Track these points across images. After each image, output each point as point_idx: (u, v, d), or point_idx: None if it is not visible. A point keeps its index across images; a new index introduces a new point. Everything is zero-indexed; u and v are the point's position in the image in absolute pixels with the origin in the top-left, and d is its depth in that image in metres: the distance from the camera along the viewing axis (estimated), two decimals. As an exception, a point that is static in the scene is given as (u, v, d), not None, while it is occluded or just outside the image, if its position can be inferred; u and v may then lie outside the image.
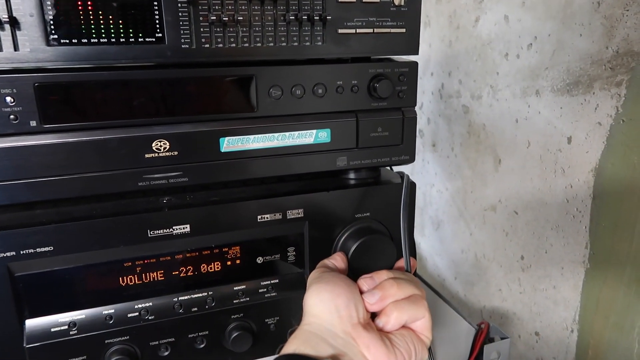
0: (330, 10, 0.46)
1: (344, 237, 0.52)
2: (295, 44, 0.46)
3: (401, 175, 0.55)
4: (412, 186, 0.53)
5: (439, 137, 0.88)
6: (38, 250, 0.43)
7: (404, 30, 0.48)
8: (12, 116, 0.40)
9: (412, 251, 0.53)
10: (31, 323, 0.44)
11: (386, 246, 0.51)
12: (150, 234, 0.46)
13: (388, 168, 0.58)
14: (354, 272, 0.51)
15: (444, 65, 0.84)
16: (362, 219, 0.53)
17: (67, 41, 0.40)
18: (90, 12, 0.40)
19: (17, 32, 0.39)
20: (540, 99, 0.64)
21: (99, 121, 0.42)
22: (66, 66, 0.40)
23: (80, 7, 0.39)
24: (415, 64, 0.50)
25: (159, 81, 0.43)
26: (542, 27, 0.62)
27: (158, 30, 0.42)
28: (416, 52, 0.50)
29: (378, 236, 0.51)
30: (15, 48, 0.39)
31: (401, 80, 0.50)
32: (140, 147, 0.44)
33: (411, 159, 0.53)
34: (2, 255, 0.42)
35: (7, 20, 0.38)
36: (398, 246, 0.51)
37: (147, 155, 0.44)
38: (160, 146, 0.44)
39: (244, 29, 0.44)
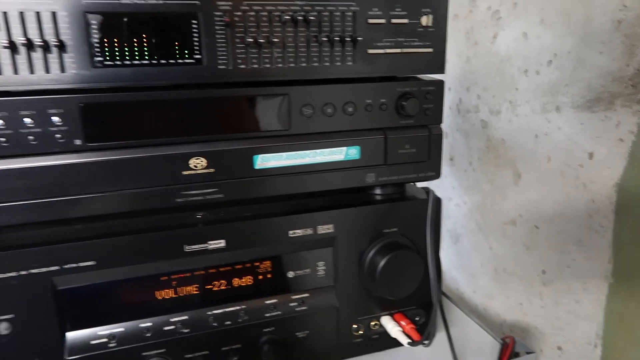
0: (361, 31, 0.47)
1: (372, 252, 0.53)
2: (327, 63, 0.47)
3: (426, 190, 0.56)
4: (437, 202, 0.54)
5: (456, 151, 0.89)
6: (80, 264, 0.44)
7: (430, 49, 0.50)
8: (58, 135, 0.42)
9: (438, 266, 0.54)
10: (72, 336, 0.46)
11: (414, 261, 0.52)
12: (187, 249, 0.47)
13: (412, 183, 0.59)
14: (382, 288, 0.52)
15: (462, 81, 0.85)
16: (390, 234, 0.54)
17: (111, 63, 0.41)
18: (133, 36, 0.41)
19: (64, 55, 0.40)
20: (560, 115, 0.65)
21: (139, 139, 0.44)
22: (109, 86, 0.42)
23: (123, 31, 0.41)
24: (442, 82, 0.52)
25: (197, 101, 0.45)
26: (561, 44, 0.63)
27: (196, 52, 0.43)
28: (442, 71, 0.51)
29: (407, 251, 0.52)
30: (62, 70, 0.41)
31: (428, 98, 0.51)
32: (178, 165, 0.45)
33: (437, 175, 0.54)
34: (46, 269, 0.43)
35: (56, 43, 0.39)
36: (425, 261, 0.52)
37: (184, 173, 0.45)
38: (197, 164, 0.46)
39: (278, 50, 0.45)
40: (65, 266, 0.44)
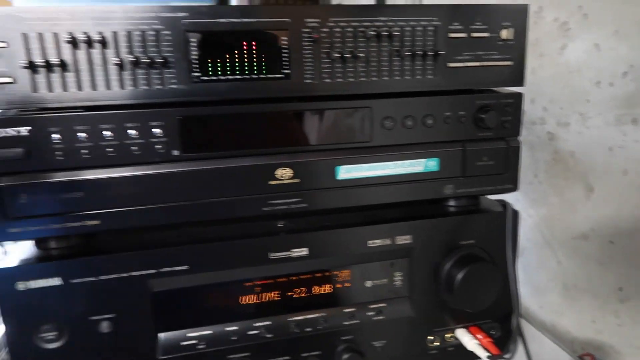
0: (442, 45, 0.48)
1: (449, 264, 0.53)
2: (408, 77, 0.48)
3: (502, 203, 0.56)
4: (515, 215, 0.54)
5: (521, 163, 0.87)
6: (175, 268, 0.46)
7: (510, 62, 0.50)
8: (158, 146, 0.44)
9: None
10: (164, 336, 0.48)
11: (493, 274, 0.52)
12: (271, 256, 0.49)
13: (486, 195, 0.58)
14: (460, 300, 0.52)
15: (526, 93, 0.84)
16: (466, 246, 0.54)
17: (206, 78, 0.44)
18: (228, 52, 0.44)
19: (165, 71, 0.43)
20: (637, 127, 0.63)
21: (231, 150, 0.46)
22: (204, 100, 0.45)
23: (219, 48, 0.44)
24: (521, 95, 0.52)
25: (284, 113, 0.47)
26: (638, 56, 0.62)
27: (285, 67, 0.45)
28: (521, 84, 0.51)
29: (485, 264, 0.52)
30: (163, 85, 0.43)
31: (506, 110, 0.51)
32: (266, 175, 0.47)
33: (514, 187, 0.54)
34: (144, 272, 0.46)
35: (160, 60, 0.42)
36: (502, 273, 0.52)
37: (271, 182, 0.47)
38: (284, 174, 0.47)
39: (362, 64, 0.47)
40: (161, 270, 0.46)
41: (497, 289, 0.53)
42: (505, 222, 0.54)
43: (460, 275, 0.51)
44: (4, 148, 0.41)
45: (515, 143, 0.53)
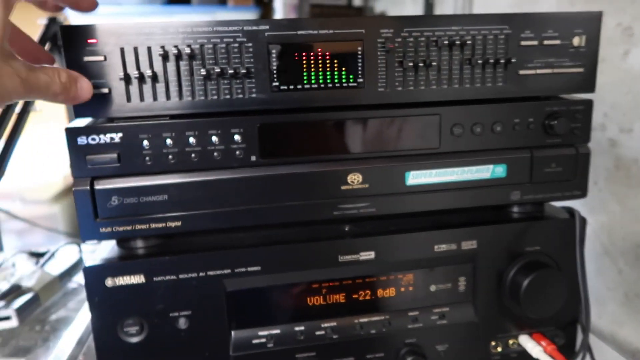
0: (513, 53, 0.48)
1: (514, 270, 0.53)
2: (478, 84, 0.49)
3: (569, 210, 0.56)
4: (583, 222, 0.53)
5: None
6: (249, 269, 0.49)
7: (582, 69, 0.50)
8: (237, 152, 0.47)
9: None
10: (237, 334, 0.50)
11: (559, 282, 0.52)
12: (340, 259, 0.50)
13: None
14: (525, 306, 0.52)
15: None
16: (532, 252, 0.54)
17: (285, 87, 0.46)
18: (305, 64, 0.46)
19: (247, 81, 0.45)
20: None
21: (305, 156, 0.48)
22: (282, 108, 0.46)
23: (297, 60, 0.45)
24: (591, 102, 0.52)
25: (356, 120, 0.48)
26: None
27: (359, 76, 0.47)
28: (592, 90, 0.51)
29: (552, 271, 0.52)
30: (244, 94, 0.45)
31: (576, 117, 0.51)
32: (338, 180, 0.48)
33: (583, 194, 0.54)
34: (220, 272, 0.48)
35: (243, 72, 0.44)
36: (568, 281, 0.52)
37: (342, 187, 0.49)
38: (354, 179, 0.49)
39: (433, 73, 0.48)
40: (236, 270, 0.48)
41: (563, 296, 0.53)
42: (572, 229, 0.53)
43: (526, 282, 0.51)
44: (100, 154, 0.44)
45: (585, 149, 0.53)
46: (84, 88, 0.41)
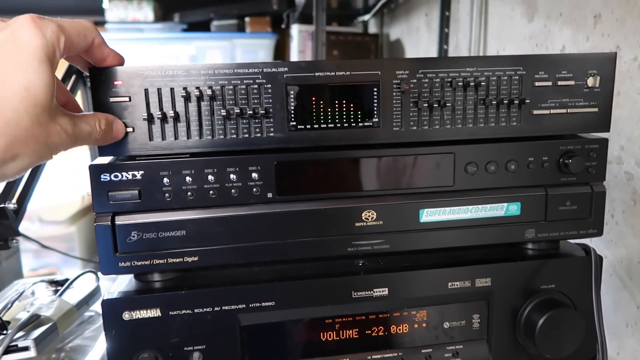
0: (527, 93, 0.49)
1: (529, 308, 0.53)
2: (492, 124, 0.49)
3: (585, 248, 0.55)
4: (600, 260, 0.53)
5: (594, 202, 0.85)
6: (263, 304, 0.49)
7: (596, 109, 0.50)
8: (254, 189, 0.47)
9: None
10: (250, 370, 0.50)
11: (576, 321, 0.51)
12: (354, 295, 0.50)
13: (566, 239, 0.58)
14: (541, 345, 0.51)
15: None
16: (547, 290, 0.53)
17: (303, 127, 0.47)
18: (322, 104, 0.47)
19: (265, 120, 0.46)
20: None
21: (321, 193, 0.49)
22: (298, 146, 0.47)
23: (314, 101, 0.47)
24: (606, 140, 0.52)
25: (372, 159, 0.49)
26: None
27: (375, 116, 0.48)
28: (607, 129, 0.51)
29: (568, 310, 0.51)
30: (262, 133, 0.47)
31: (591, 156, 0.51)
32: (352, 217, 0.49)
33: (599, 232, 0.54)
34: (234, 307, 0.49)
35: (263, 112, 0.46)
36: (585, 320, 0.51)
37: (357, 224, 0.49)
38: (369, 216, 0.49)
39: (448, 113, 0.49)
40: (250, 305, 0.49)
41: (580, 336, 0.52)
42: (588, 267, 0.53)
43: (541, 321, 0.51)
44: (121, 190, 0.45)
45: (600, 188, 0.53)
46: (119, 130, 0.43)
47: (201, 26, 2.46)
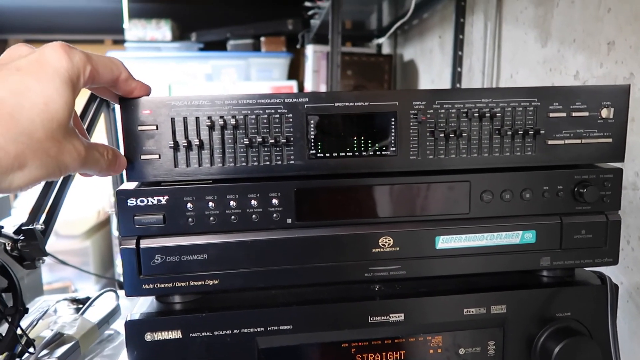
0: (541, 124, 0.50)
1: (545, 336, 0.53)
2: (507, 153, 0.50)
3: (600, 276, 0.56)
4: (615, 289, 0.53)
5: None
6: (281, 327, 0.50)
7: (610, 140, 0.51)
8: (275, 214, 0.49)
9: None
10: (268, 392, 0.51)
11: (591, 349, 0.51)
12: (371, 320, 0.51)
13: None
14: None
15: (616, 157, 0.83)
16: (563, 318, 0.53)
17: (322, 155, 0.48)
18: (342, 132, 0.48)
19: (286, 149, 0.48)
20: None
21: (339, 219, 0.50)
22: (319, 174, 0.49)
23: (334, 128, 0.48)
24: (620, 170, 0.52)
25: (389, 187, 0.50)
26: None
27: (392, 146, 0.49)
28: (622, 159, 0.52)
29: (584, 339, 0.51)
30: (283, 161, 0.48)
31: (605, 185, 0.52)
32: (370, 243, 0.50)
33: (614, 261, 0.54)
34: (253, 330, 0.50)
35: (284, 141, 0.47)
36: (601, 349, 0.51)
37: (374, 250, 0.50)
38: (386, 242, 0.50)
39: (464, 142, 0.50)
40: (269, 328, 0.50)
41: (596, 365, 0.52)
42: (603, 296, 0.53)
43: (557, 349, 0.51)
44: (147, 215, 0.47)
45: (615, 217, 0.53)
46: (121, 164, 0.45)
47: (217, 45, 2.51)
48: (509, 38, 1.20)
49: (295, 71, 2.64)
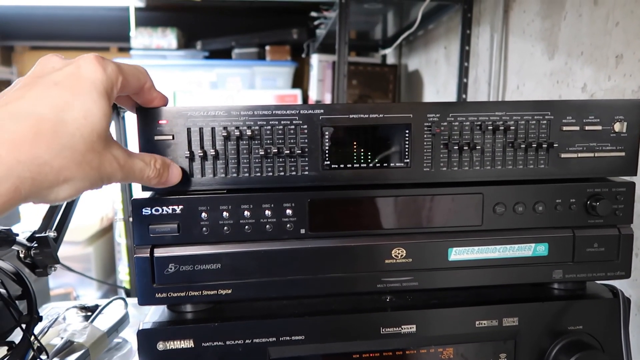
0: (554, 137, 0.50)
1: (557, 349, 0.53)
2: (520, 166, 0.51)
3: (612, 289, 0.56)
4: (628, 303, 0.53)
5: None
6: (293, 338, 0.50)
7: (623, 154, 0.51)
8: (288, 225, 0.49)
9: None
10: (279, 403, 0.51)
11: (603, 363, 0.51)
12: (382, 331, 0.51)
13: (592, 279, 0.58)
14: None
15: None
16: (575, 332, 0.53)
17: (336, 166, 0.49)
18: (355, 146, 0.49)
19: (300, 159, 0.48)
20: None
21: (352, 230, 0.50)
22: (331, 185, 0.49)
23: (349, 140, 0.48)
24: (633, 184, 0.53)
25: (402, 198, 0.50)
26: None
27: (406, 157, 0.49)
28: (634, 173, 0.52)
29: (595, 352, 0.51)
30: (297, 171, 0.48)
31: (618, 199, 0.52)
32: (382, 254, 0.50)
33: (627, 274, 0.54)
34: (265, 340, 0.50)
35: (299, 152, 0.47)
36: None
37: (386, 261, 0.50)
38: (398, 253, 0.50)
39: (477, 155, 0.50)
40: (280, 338, 0.50)
41: (609, 379, 0.52)
42: (616, 309, 0.53)
43: (570, 362, 0.51)
44: (162, 224, 0.47)
45: (628, 231, 0.53)
46: (175, 174, 0.45)
47: (222, 54, 2.52)
48: (515, 50, 1.21)
49: (299, 80, 2.65)
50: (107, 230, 2.58)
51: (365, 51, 2.47)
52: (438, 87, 1.77)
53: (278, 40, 2.46)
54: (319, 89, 2.10)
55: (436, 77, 1.80)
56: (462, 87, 1.38)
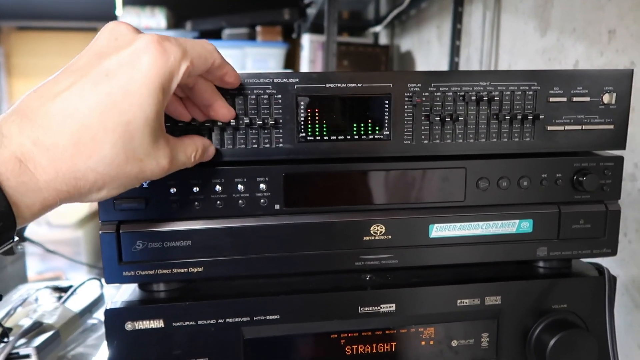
0: (541, 109, 0.48)
1: (540, 328, 0.51)
2: (505, 139, 0.49)
3: (598, 267, 0.54)
4: (613, 281, 0.52)
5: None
6: (268, 317, 0.48)
7: (612, 126, 0.49)
8: (262, 200, 0.47)
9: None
10: (253, 384, 0.49)
11: (587, 342, 0.50)
12: (360, 310, 0.49)
13: (578, 258, 0.57)
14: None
15: (615, 148, 0.82)
16: (559, 310, 0.52)
17: (311, 138, 0.46)
18: (333, 115, 0.46)
19: (275, 131, 0.46)
20: None
21: (329, 206, 0.48)
22: (307, 158, 0.47)
23: (325, 111, 0.46)
24: (621, 158, 0.51)
25: (381, 172, 0.48)
26: None
27: (386, 129, 0.47)
28: (623, 147, 0.50)
29: (580, 331, 0.50)
30: (271, 144, 0.46)
31: (606, 174, 0.50)
32: (360, 231, 0.48)
33: (613, 252, 0.52)
34: (238, 319, 0.48)
35: (272, 123, 0.45)
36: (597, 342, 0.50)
37: (365, 238, 0.49)
38: (377, 230, 0.49)
39: (460, 127, 0.48)
40: (255, 318, 0.48)
41: (592, 358, 0.50)
42: (601, 288, 0.52)
43: (552, 342, 0.50)
44: (128, 199, 0.45)
45: (615, 207, 0.51)
46: (210, 154, 0.44)
47: (213, 34, 2.47)
48: (508, 28, 1.18)
49: (291, 61, 2.61)
50: (97, 214, 2.56)
51: (358, 31, 2.43)
52: (430, 68, 1.74)
53: (269, 21, 2.41)
54: (310, 70, 2.07)
55: (428, 58, 1.77)
56: (454, 67, 1.35)
